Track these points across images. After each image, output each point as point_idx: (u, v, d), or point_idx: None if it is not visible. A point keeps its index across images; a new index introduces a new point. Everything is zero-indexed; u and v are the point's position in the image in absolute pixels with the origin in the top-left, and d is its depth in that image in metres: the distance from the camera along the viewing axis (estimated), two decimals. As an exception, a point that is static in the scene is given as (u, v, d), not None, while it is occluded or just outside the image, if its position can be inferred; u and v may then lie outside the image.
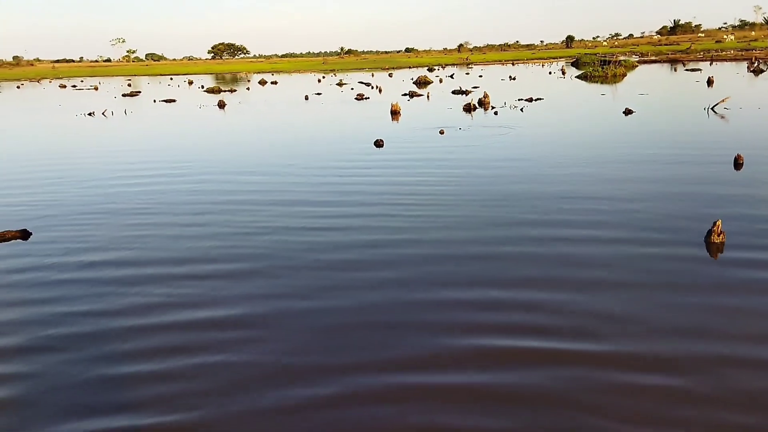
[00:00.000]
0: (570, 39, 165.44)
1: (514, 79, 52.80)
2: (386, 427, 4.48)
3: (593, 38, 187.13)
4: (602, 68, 50.54)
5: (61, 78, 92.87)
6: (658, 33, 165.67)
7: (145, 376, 5.23)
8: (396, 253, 8.13)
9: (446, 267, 7.51)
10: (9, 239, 9.27)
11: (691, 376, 4.93)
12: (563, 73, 57.69)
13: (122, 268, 7.92)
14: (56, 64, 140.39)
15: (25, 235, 9.47)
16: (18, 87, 72.12)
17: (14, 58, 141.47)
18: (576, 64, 69.28)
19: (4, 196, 12.80)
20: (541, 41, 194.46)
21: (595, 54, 76.43)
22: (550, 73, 61.72)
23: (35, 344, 5.91)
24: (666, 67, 61.30)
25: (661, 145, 16.22)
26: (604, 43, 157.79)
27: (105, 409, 4.80)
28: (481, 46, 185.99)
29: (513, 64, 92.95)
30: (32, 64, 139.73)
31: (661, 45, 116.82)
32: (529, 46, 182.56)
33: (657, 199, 10.43)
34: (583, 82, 45.96)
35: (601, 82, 43.77)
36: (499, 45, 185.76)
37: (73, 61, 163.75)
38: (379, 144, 17.83)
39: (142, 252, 8.58)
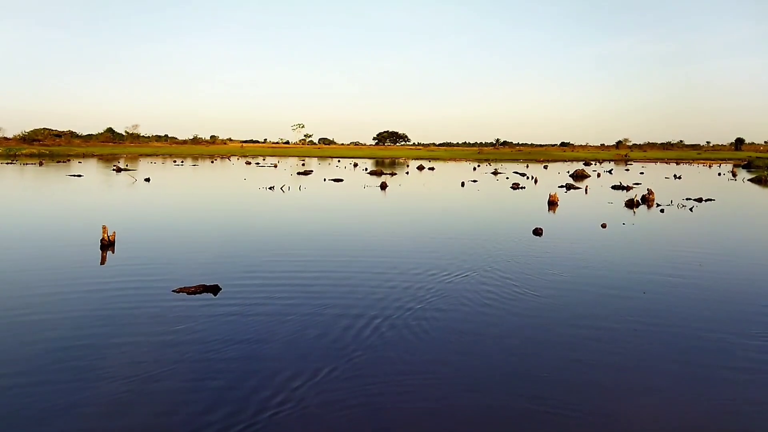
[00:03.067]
0: (740, 141, 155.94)
1: (679, 178, 50.85)
2: None
3: (765, 142, 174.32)
4: (779, 172, 47.29)
5: (246, 156, 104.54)
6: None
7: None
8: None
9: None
10: (202, 292, 10.71)
11: None
12: (734, 174, 54.54)
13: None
14: (244, 144, 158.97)
15: (215, 290, 10.86)
16: (212, 162, 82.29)
17: (211, 137, 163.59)
18: (747, 166, 65.18)
19: (205, 252, 14.82)
20: (708, 142, 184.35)
21: (771, 157, 71.41)
22: (719, 174, 58.59)
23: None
24: None
25: None
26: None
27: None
28: (641, 143, 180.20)
29: (677, 164, 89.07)
30: (225, 143, 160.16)
31: None
32: (694, 146, 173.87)
33: None
34: (757, 185, 43.18)
35: (778, 187, 40.94)
36: (661, 144, 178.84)
37: (258, 142, 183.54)
38: (538, 232, 18.24)
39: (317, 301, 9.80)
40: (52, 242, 16.05)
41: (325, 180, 45.42)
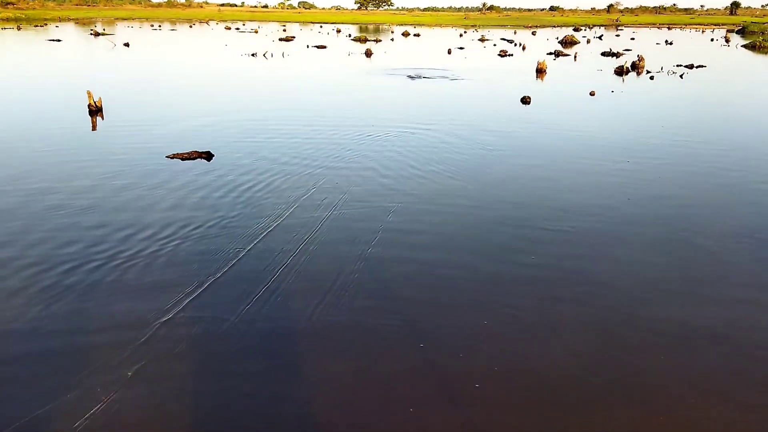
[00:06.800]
0: (735, 5, 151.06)
1: (670, 43, 49.63)
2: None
3: (762, 6, 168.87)
4: (773, 38, 46.27)
5: (225, 21, 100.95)
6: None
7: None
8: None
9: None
10: (195, 158, 10.73)
11: None
12: (727, 40, 53.34)
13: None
14: (221, 8, 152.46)
15: (209, 156, 10.85)
16: (190, 27, 79.62)
17: (186, 0, 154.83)
18: (742, 32, 63.63)
19: (194, 119, 14.55)
20: (701, 6, 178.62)
21: (764, 23, 69.54)
22: (711, 40, 57.21)
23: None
24: None
25: None
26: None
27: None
28: (633, 7, 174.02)
29: (668, 29, 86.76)
30: (201, 6, 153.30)
31: None
32: (687, 11, 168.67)
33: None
34: (750, 51, 42.38)
35: (772, 53, 40.21)
36: (654, 7, 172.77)
37: (236, 5, 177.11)
38: (525, 101, 17.96)
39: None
40: (42, 106, 16.12)
41: (308, 47, 43.95)
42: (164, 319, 5.18)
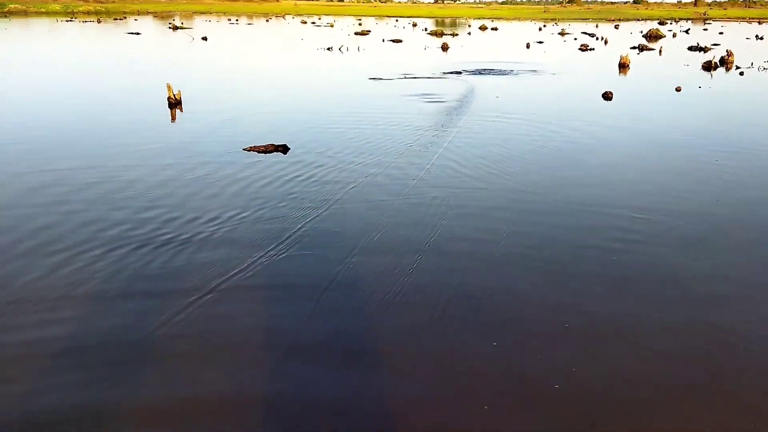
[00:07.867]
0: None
1: (761, 38, 47.23)
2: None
3: None
4: None
5: (301, 15, 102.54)
6: None
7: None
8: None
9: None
10: (272, 151, 10.89)
11: None
12: (827, 35, 50.22)
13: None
14: (298, 2, 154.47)
15: (285, 149, 11.00)
16: (267, 21, 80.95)
17: None
18: (844, 25, 59.59)
19: (271, 112, 14.91)
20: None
21: None
22: (809, 34, 53.98)
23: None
24: None
25: None
26: None
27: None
28: (722, 0, 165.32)
29: (759, 23, 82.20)
30: (278, 1, 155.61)
31: None
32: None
33: None
34: None
35: None
36: (743, 1, 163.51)
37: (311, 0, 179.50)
38: (607, 96, 17.75)
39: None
40: (122, 98, 16.63)
41: (383, 41, 44.21)
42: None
